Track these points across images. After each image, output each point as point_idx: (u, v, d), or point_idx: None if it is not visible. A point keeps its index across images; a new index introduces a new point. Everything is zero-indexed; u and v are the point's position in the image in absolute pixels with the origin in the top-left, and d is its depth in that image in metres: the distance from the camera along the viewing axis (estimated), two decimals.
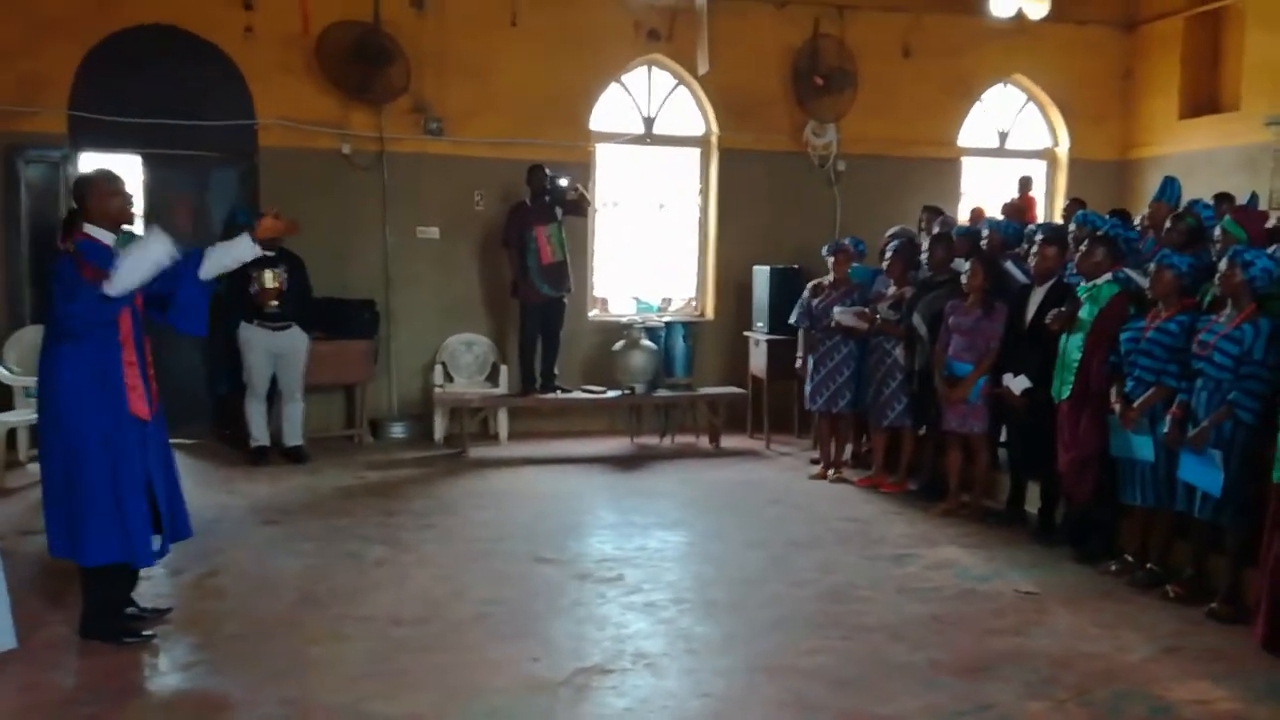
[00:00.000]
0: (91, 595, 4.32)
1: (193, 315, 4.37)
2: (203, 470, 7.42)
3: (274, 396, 7.80)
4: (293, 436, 7.77)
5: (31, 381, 7.11)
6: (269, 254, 7.54)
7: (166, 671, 4.13)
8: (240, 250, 4.41)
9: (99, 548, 4.19)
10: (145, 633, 4.36)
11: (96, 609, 4.32)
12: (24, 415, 7.15)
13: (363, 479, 7.29)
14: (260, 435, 7.70)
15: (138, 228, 5.14)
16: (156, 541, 4.37)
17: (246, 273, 7.46)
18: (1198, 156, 9.18)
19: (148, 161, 8.20)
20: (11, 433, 7.18)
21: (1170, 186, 6.51)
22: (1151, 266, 5.15)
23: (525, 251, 8.06)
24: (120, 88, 7.94)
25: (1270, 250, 4.93)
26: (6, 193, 7.85)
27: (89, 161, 7.99)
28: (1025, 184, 9.54)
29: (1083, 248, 5.61)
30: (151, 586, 4.83)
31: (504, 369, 8.76)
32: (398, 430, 8.66)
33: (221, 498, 6.69)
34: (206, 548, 5.51)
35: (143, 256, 4.07)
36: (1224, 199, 6.84)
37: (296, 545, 5.70)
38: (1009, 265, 6.71)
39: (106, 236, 4.22)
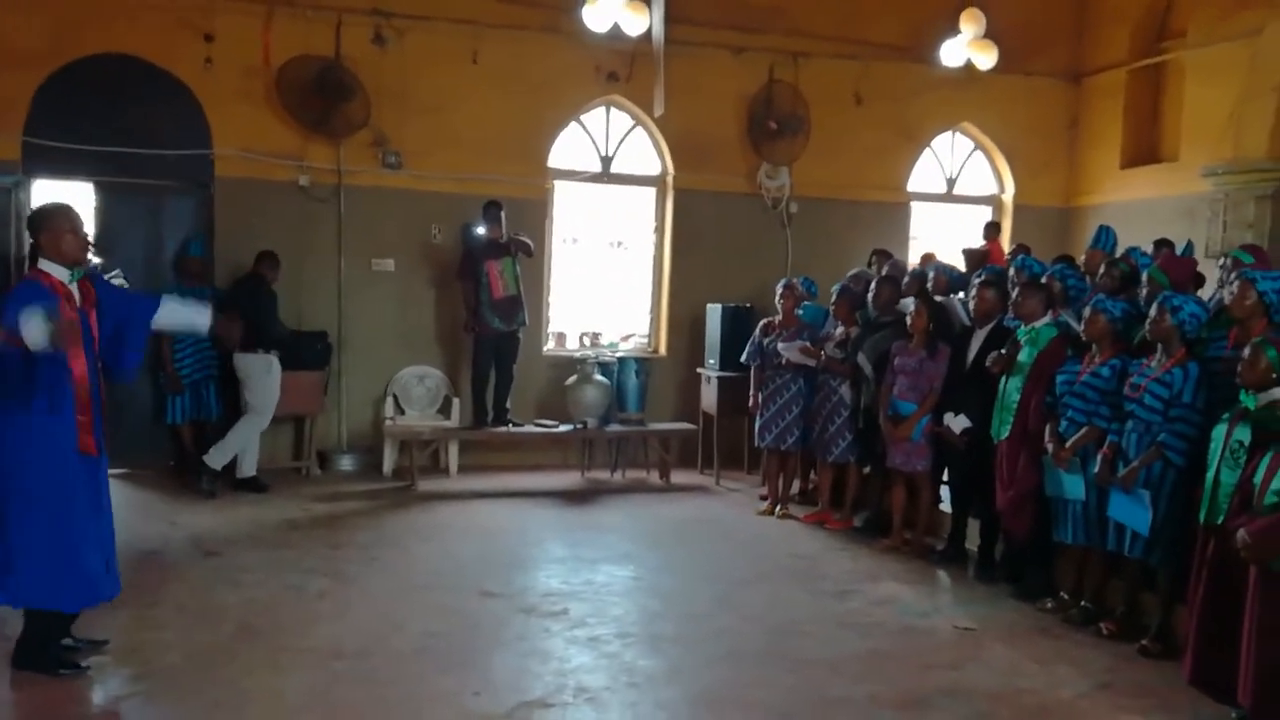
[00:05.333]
0: (29, 626, 4.25)
1: (129, 357, 4.42)
2: (146, 501, 7.33)
3: (221, 424, 7.80)
4: (249, 467, 7.76)
5: None
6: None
7: (101, 703, 4.07)
8: (198, 324, 4.67)
9: (30, 590, 4.14)
10: (81, 664, 4.30)
11: (32, 640, 4.25)
12: None
13: (308, 511, 7.24)
14: (251, 466, 7.75)
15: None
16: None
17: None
18: (1137, 205, 9.46)
19: (100, 189, 8.15)
20: None
21: (1105, 234, 6.72)
22: (1086, 311, 5.31)
23: (478, 286, 8.11)
24: (77, 115, 7.89)
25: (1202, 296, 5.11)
26: None
27: (41, 188, 7.93)
28: (991, 230, 9.45)
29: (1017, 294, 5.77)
30: (89, 617, 4.72)
31: (456, 402, 8.77)
32: (346, 463, 8.61)
33: (164, 528, 6.61)
34: (147, 579, 5.44)
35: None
36: (1163, 245, 7.05)
37: (238, 577, 5.65)
38: (955, 303, 6.85)
39: (61, 273, 4.19)
